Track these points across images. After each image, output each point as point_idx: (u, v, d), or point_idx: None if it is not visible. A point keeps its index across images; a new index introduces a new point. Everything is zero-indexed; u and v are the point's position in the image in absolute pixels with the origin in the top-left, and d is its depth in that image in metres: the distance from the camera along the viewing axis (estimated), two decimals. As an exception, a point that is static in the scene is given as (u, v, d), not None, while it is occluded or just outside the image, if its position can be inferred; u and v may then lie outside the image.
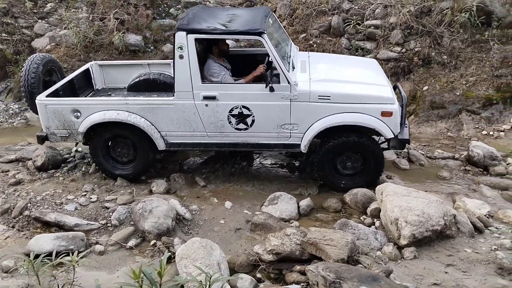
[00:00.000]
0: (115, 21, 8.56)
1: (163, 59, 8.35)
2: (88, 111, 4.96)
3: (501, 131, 6.84)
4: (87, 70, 5.99)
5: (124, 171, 5.28)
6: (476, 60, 7.75)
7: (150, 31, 8.84)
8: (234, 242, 4.24)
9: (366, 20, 8.36)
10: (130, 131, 5.05)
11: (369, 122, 4.70)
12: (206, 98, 4.80)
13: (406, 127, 5.00)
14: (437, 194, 4.91)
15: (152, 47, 8.74)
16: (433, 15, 8.07)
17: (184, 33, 4.63)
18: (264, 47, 4.63)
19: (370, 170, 4.97)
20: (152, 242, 4.12)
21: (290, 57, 5.08)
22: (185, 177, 5.39)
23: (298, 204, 4.74)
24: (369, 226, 4.32)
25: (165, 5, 9.33)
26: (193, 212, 4.67)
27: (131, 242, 4.15)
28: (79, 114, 4.97)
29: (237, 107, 4.80)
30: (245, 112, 4.81)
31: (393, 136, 4.77)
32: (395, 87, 5.23)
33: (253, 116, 4.82)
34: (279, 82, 4.67)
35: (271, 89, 4.65)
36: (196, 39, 4.67)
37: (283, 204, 4.71)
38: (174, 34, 4.69)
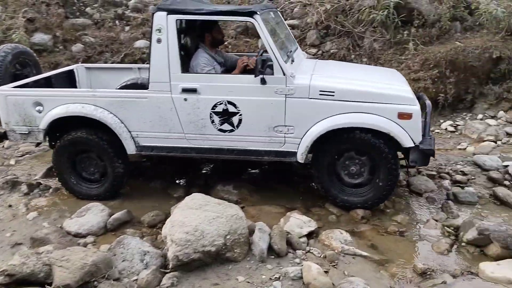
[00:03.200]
0: (22, 20, 8.14)
1: (70, 59, 7.93)
2: (51, 104, 4.27)
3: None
4: (71, 72, 5.42)
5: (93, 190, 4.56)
6: (396, 63, 7.02)
7: (61, 30, 8.39)
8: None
9: (284, 20, 7.70)
10: (95, 137, 4.30)
11: (382, 124, 3.79)
12: (185, 90, 4.03)
13: (430, 138, 4.01)
14: (282, 207, 4.22)
15: (61, 47, 8.27)
16: (353, 13, 7.38)
17: (165, 13, 3.99)
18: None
19: (378, 183, 4.00)
20: None
21: (291, 52, 4.39)
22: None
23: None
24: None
25: (81, 4, 8.89)
26: (-17, 222, 4.07)
27: None
28: (41, 107, 4.32)
29: (222, 103, 4.01)
30: (231, 109, 4.02)
31: (413, 144, 3.80)
32: (419, 98, 4.31)
33: (241, 115, 4.02)
34: (272, 74, 3.89)
35: (263, 81, 3.87)
36: (178, 21, 4.06)
37: (90, 216, 4.07)
38: (153, 14, 4.06)
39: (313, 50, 7.37)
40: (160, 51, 4.00)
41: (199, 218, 3.27)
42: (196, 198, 3.59)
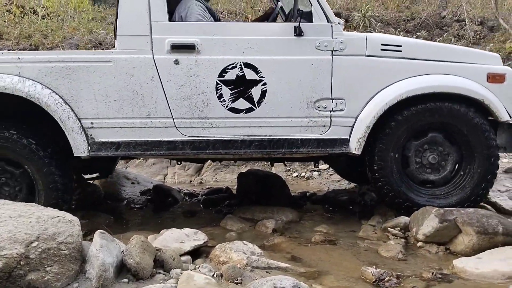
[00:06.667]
0: None
1: None
2: None
3: (316, 171, 5.09)
4: None
5: None
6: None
7: None
8: None
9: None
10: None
11: (471, 88, 2.73)
12: (176, 48, 2.60)
13: None
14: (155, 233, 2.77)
15: None
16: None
17: None
18: None
19: (473, 175, 2.79)
20: None
21: None
22: None
23: None
24: None
25: None
26: None
27: None
28: None
29: (235, 66, 2.62)
30: (250, 76, 2.64)
31: (509, 118, 2.79)
32: None
33: (264, 84, 2.65)
34: (311, 20, 2.69)
35: (298, 32, 2.63)
36: None
37: None
38: None
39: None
40: None
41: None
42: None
